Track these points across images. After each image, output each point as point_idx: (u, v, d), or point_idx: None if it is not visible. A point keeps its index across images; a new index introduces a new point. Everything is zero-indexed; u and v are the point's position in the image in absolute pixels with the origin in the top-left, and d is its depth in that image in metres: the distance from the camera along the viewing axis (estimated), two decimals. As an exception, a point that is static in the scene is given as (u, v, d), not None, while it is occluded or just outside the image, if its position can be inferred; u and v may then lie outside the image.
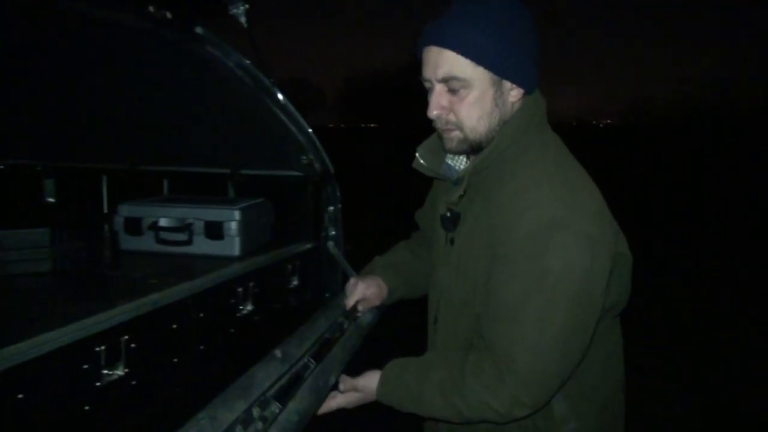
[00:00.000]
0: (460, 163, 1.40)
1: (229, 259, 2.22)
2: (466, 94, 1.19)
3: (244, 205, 2.33)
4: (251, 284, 2.22)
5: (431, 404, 1.27)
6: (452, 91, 1.20)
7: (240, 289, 2.17)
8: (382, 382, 1.36)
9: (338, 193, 2.68)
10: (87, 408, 1.51)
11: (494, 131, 1.24)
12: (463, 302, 1.34)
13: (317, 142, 2.57)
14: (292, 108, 2.44)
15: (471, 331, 1.33)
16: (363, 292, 1.66)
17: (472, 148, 1.27)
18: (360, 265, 2.83)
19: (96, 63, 2.44)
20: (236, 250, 2.25)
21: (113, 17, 1.98)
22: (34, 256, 1.95)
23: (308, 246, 2.65)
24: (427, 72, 1.21)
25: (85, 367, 1.51)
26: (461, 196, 1.29)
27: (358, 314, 1.68)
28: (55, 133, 2.93)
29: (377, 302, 1.70)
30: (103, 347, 1.54)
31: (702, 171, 17.85)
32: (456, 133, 1.25)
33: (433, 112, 1.23)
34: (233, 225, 2.24)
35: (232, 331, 2.15)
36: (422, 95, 1.29)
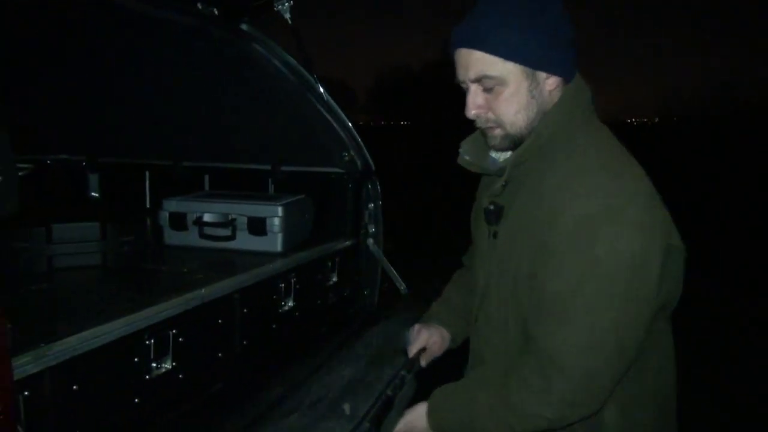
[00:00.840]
0: (505, 155, 1.36)
1: (271, 255, 2.22)
2: (501, 91, 1.19)
3: (287, 201, 2.33)
4: (293, 280, 2.23)
5: (483, 426, 1.24)
6: (487, 90, 1.20)
7: (282, 285, 2.18)
8: (431, 414, 1.33)
9: (379, 191, 2.67)
10: (137, 400, 1.53)
11: (534, 122, 1.22)
12: (505, 299, 1.29)
13: (359, 139, 2.56)
14: (334, 104, 2.44)
15: (513, 330, 1.29)
16: (426, 340, 1.59)
17: (515, 143, 1.25)
18: (397, 263, 2.83)
19: (141, 59, 2.47)
20: (279, 246, 2.26)
21: (160, 14, 2.01)
22: (85, 250, 1.98)
23: (348, 243, 2.65)
24: (460, 74, 1.22)
25: (136, 360, 1.53)
26: (504, 186, 1.28)
27: (421, 366, 1.59)
28: (100, 128, 2.98)
29: (439, 353, 1.62)
30: (152, 341, 1.56)
31: (740, 167, 17.39)
32: (498, 131, 1.24)
33: (471, 112, 1.23)
34: (276, 221, 2.24)
35: (274, 326, 2.16)
36: (454, 92, 1.29)
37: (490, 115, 1.23)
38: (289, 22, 2.21)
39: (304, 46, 2.36)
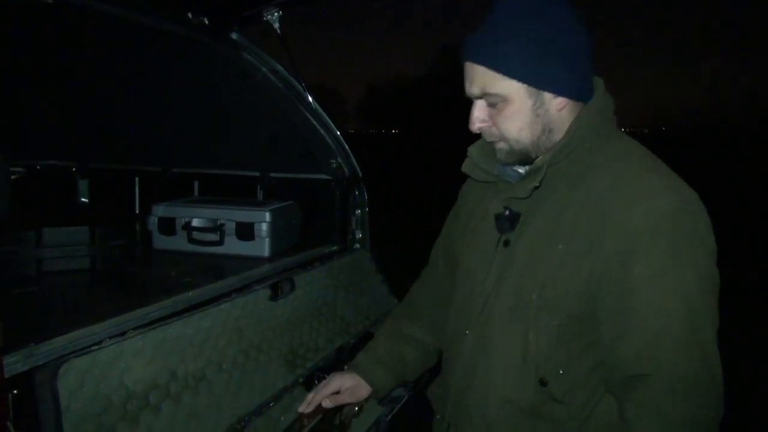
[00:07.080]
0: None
1: (259, 260, 2.26)
2: (503, 107, 1.14)
3: (275, 207, 2.37)
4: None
5: None
6: (491, 105, 1.16)
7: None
8: None
9: (366, 197, 2.71)
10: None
11: (542, 140, 1.18)
12: (521, 313, 1.17)
13: (346, 146, 2.61)
14: (322, 112, 2.49)
15: (519, 349, 1.17)
16: (337, 387, 1.47)
17: (521, 159, 1.21)
18: (383, 266, 2.87)
19: (133, 66, 2.51)
20: (266, 251, 2.29)
21: (152, 23, 2.05)
22: (74, 254, 2.01)
23: (335, 248, 2.69)
24: (466, 87, 1.18)
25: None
26: (537, 188, 1.17)
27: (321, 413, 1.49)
28: (91, 135, 3.01)
29: (350, 400, 1.50)
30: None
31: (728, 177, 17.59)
32: (503, 144, 1.20)
33: (474, 126, 1.20)
34: (264, 226, 2.28)
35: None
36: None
37: (494, 130, 1.18)
38: (278, 32, 2.26)
39: (293, 55, 2.41)
